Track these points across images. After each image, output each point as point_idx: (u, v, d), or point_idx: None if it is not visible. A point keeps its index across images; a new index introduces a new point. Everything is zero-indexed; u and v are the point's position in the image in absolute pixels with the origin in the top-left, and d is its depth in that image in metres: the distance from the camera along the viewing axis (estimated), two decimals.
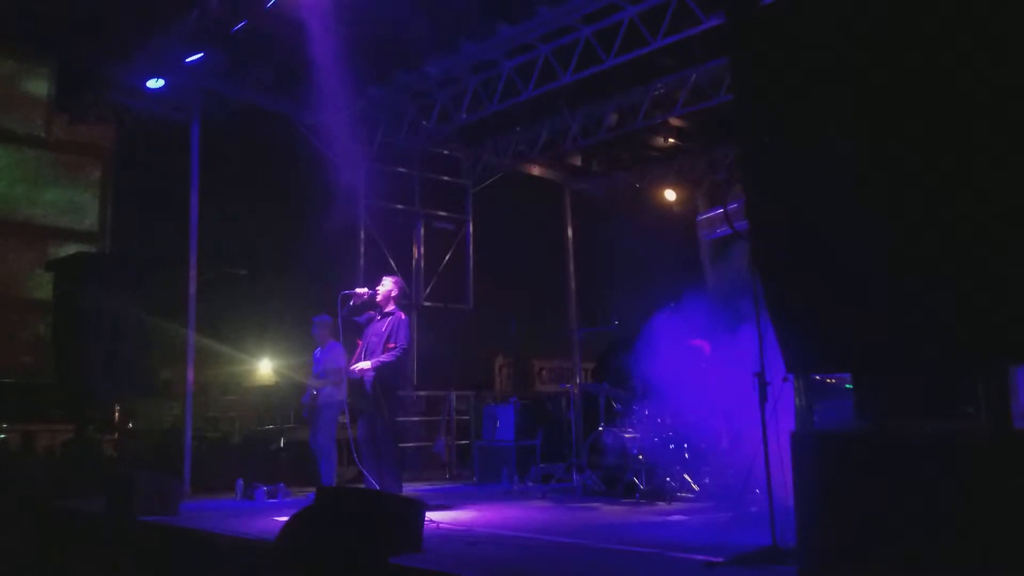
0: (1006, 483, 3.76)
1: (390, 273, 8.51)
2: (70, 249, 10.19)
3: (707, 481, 7.83)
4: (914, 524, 3.94)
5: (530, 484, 9.59)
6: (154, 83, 9.23)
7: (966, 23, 3.93)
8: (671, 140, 12.92)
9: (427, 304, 12.65)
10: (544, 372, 16.40)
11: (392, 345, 7.48)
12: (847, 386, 5.38)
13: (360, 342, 7.71)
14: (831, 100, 4.43)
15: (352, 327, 7.80)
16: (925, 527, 3.90)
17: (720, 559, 4.73)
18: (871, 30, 4.24)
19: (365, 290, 7.68)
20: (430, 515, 6.39)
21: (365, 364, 7.40)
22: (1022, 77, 3.73)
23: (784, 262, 4.63)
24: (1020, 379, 4.14)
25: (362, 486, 7.62)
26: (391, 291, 7.74)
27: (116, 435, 10.48)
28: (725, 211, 5.53)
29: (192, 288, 9.87)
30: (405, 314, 7.84)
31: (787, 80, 4.67)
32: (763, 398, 5.03)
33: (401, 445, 8.69)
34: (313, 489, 6.23)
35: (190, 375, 9.80)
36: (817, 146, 4.51)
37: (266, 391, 13.08)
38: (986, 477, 3.82)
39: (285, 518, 7.10)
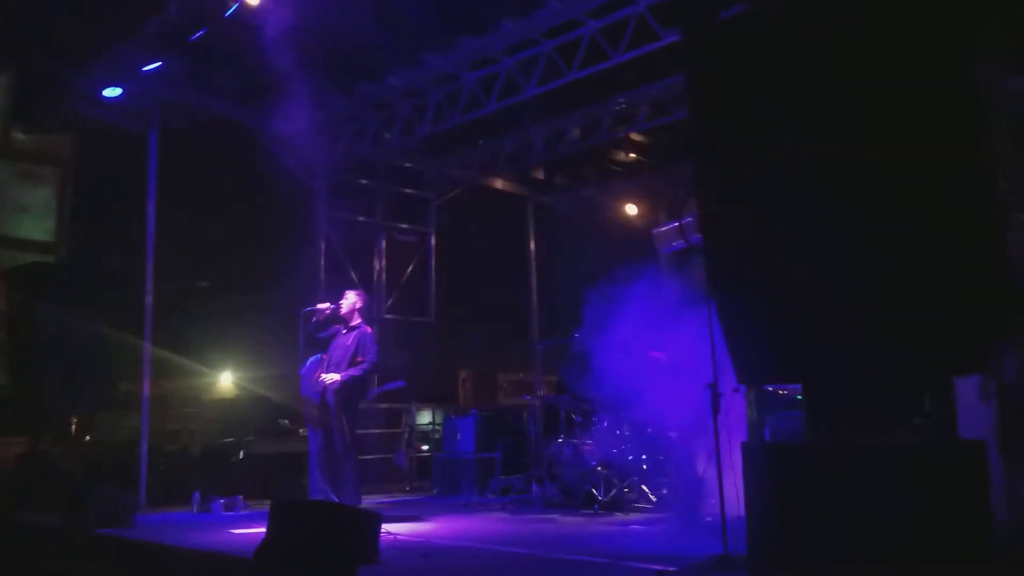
0: (952, 491, 3.83)
1: (351, 286, 8.48)
2: (26, 259, 10.03)
3: (664, 491, 7.88)
4: (862, 532, 4.01)
5: (490, 496, 9.59)
6: (111, 92, 9.13)
7: (914, 32, 4.04)
8: (632, 155, 13.03)
9: (389, 317, 12.63)
10: (507, 385, 16.38)
11: (361, 359, 7.43)
12: (798, 397, 5.47)
13: (324, 356, 7.65)
14: (784, 114, 4.51)
15: (315, 343, 7.71)
16: (873, 535, 3.97)
17: (673, 568, 4.78)
18: (824, 44, 4.32)
19: (327, 305, 7.61)
20: (388, 527, 6.37)
21: (335, 376, 7.34)
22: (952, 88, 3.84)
23: (736, 275, 4.71)
24: (963, 391, 4.23)
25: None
26: (355, 304, 7.69)
27: (72, 448, 10.31)
28: (680, 224, 5.61)
29: (148, 300, 9.78)
30: (370, 327, 7.80)
31: (740, 95, 4.75)
32: (716, 409, 5.09)
33: (361, 457, 8.65)
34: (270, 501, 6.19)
35: (146, 387, 9.71)
36: (769, 159, 4.59)
37: (226, 403, 12.95)
38: (933, 485, 3.89)
39: (242, 531, 7.10)
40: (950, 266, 3.94)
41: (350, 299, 7.71)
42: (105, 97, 9.23)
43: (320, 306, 7.60)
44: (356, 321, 7.65)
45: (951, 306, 3.96)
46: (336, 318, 7.64)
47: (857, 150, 4.19)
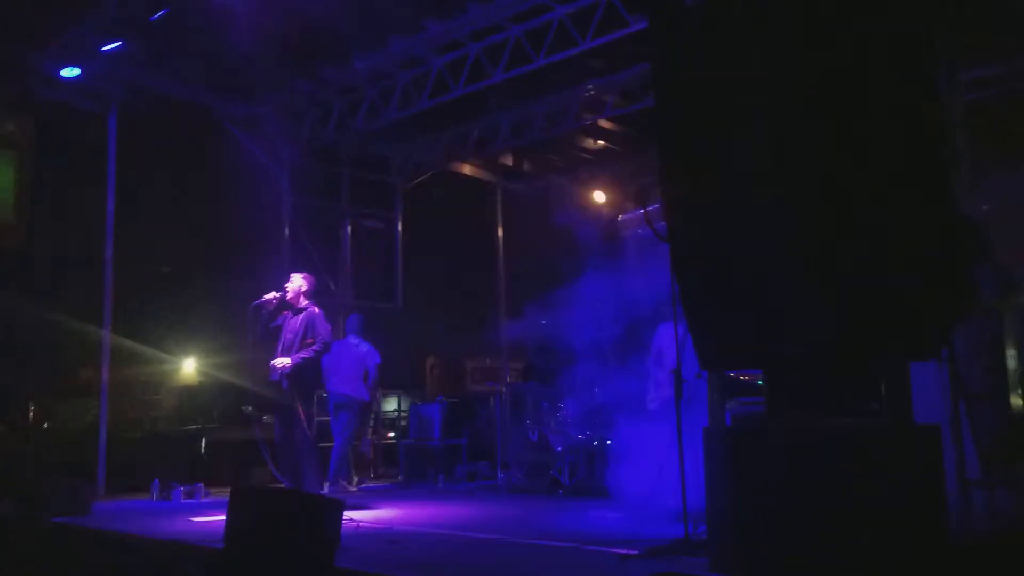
0: (906, 476, 3.87)
1: (316, 272, 8.40)
2: None
3: (628, 476, 7.89)
4: (819, 516, 4.03)
5: (455, 482, 9.58)
6: (69, 72, 8.96)
7: (881, 23, 4.04)
8: (601, 142, 13.02)
9: (355, 303, 12.54)
10: (475, 371, 16.37)
11: (310, 341, 7.35)
12: (759, 383, 5.50)
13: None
14: (750, 102, 4.50)
15: (270, 335, 7.58)
16: (829, 519, 3.99)
17: (635, 551, 4.80)
18: (792, 30, 4.31)
19: (273, 294, 7.46)
20: (352, 514, 6.34)
21: (285, 360, 7.26)
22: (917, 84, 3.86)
23: (699, 261, 4.70)
24: (920, 376, 4.27)
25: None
26: (301, 287, 7.58)
27: (28, 436, 10.18)
28: (645, 212, 5.60)
29: (108, 284, 9.63)
30: (320, 308, 7.70)
31: (706, 81, 4.73)
32: (678, 394, 5.12)
33: (323, 445, 8.59)
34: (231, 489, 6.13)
35: (105, 374, 9.58)
36: (734, 148, 4.58)
37: (189, 390, 12.83)
38: (888, 470, 3.92)
39: (203, 518, 7.03)
40: (907, 254, 3.97)
41: (295, 282, 7.60)
42: (63, 77, 9.05)
43: (267, 297, 7.44)
44: (303, 304, 7.55)
45: (906, 293, 3.99)
46: (284, 304, 7.54)
47: (822, 140, 4.19)
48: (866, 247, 4.01)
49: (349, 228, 12.75)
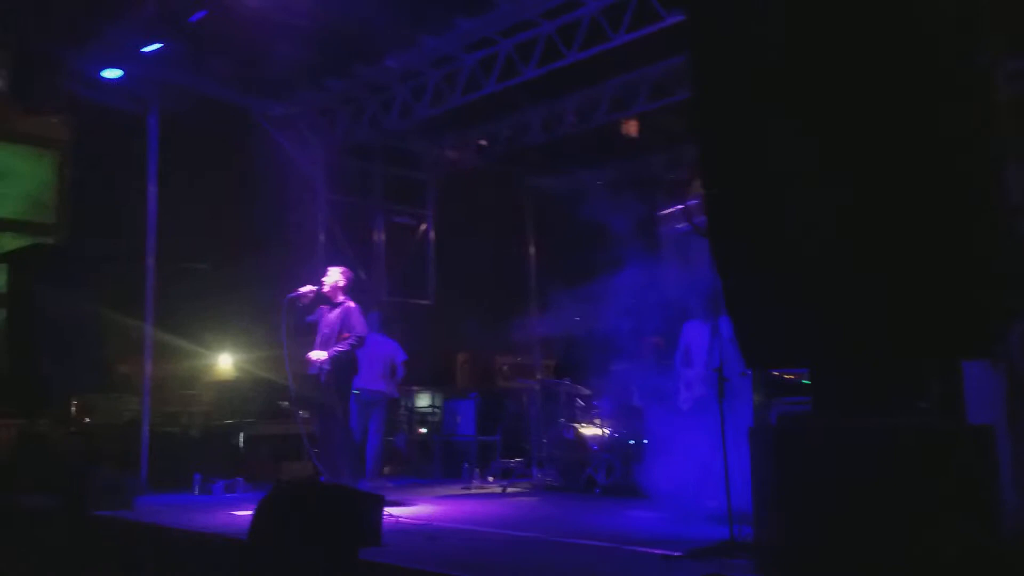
0: (960, 477, 3.81)
1: (345, 266, 8.44)
2: (26, 241, 9.99)
3: (666, 476, 7.87)
4: (867, 518, 3.99)
5: (490, 479, 9.60)
6: (111, 73, 9.07)
7: (922, 12, 3.99)
8: (633, 137, 12.94)
9: (388, 299, 12.60)
10: (507, 368, 16.36)
11: (346, 335, 7.37)
12: (804, 382, 5.45)
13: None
14: (792, 93, 4.45)
15: (304, 329, 7.63)
16: (878, 521, 3.96)
17: (678, 553, 4.78)
18: (831, 19, 4.26)
19: (309, 288, 7.49)
20: (390, 510, 6.37)
21: (321, 354, 7.31)
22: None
23: (742, 257, 4.66)
24: (972, 375, 4.21)
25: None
26: (339, 282, 7.60)
27: (72, 430, 10.31)
28: (685, 207, 5.58)
29: (150, 281, 9.75)
30: (355, 303, 7.71)
31: (746, 73, 4.69)
32: (721, 393, 5.08)
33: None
34: (271, 483, 6.20)
35: (148, 369, 9.69)
36: (776, 139, 4.53)
37: (226, 385, 12.93)
38: (939, 471, 3.87)
39: (243, 512, 7.10)
40: (958, 249, 3.92)
41: (333, 276, 7.62)
42: (104, 79, 9.16)
43: (302, 290, 7.47)
44: (340, 299, 7.58)
45: (958, 289, 3.93)
46: (321, 298, 7.56)
47: (867, 133, 4.14)
48: (914, 242, 3.95)
49: (382, 224, 12.81)
